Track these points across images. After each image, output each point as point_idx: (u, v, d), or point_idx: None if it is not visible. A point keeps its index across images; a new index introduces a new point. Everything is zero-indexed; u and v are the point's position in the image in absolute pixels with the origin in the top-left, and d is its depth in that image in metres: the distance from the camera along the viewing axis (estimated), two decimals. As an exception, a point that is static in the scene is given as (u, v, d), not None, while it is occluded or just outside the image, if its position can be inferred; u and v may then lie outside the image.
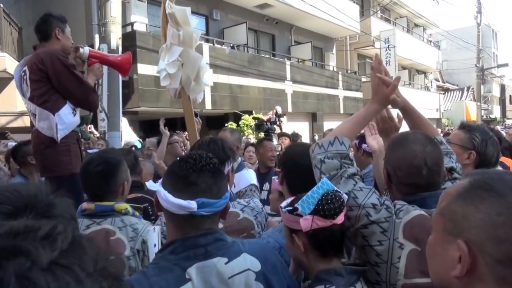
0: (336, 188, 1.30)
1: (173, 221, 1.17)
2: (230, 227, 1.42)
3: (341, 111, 17.12)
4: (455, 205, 0.75)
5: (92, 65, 2.94)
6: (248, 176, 3.18)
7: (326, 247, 1.27)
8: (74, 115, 2.75)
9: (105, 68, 6.52)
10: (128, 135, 8.17)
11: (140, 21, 9.95)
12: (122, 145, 6.97)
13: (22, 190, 0.82)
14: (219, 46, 12.22)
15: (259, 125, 9.09)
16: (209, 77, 3.79)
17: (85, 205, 1.77)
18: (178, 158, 1.25)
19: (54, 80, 2.64)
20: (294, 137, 6.34)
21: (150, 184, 1.22)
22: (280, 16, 15.06)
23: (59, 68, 2.63)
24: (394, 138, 1.55)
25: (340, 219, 1.27)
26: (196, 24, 13.52)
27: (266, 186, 3.60)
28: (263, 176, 3.75)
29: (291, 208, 1.28)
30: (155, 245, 1.52)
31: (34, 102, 2.65)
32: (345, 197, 1.30)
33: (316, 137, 10.73)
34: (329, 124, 15.82)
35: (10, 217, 0.76)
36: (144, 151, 4.64)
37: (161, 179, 1.22)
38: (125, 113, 9.47)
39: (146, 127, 12.65)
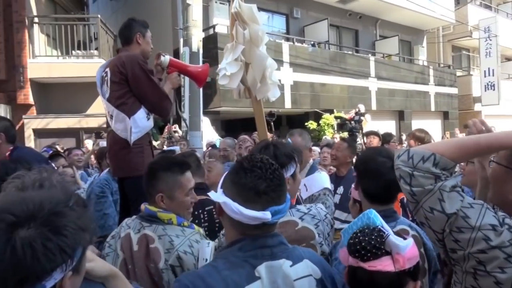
0: (381, 225, 1.09)
1: (238, 228, 1.16)
2: (288, 237, 1.29)
3: (432, 109, 15.86)
4: None
5: (171, 73, 2.99)
6: (321, 179, 2.99)
7: None
8: (148, 119, 2.82)
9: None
10: (209, 134, 8.42)
11: (222, 23, 10.19)
12: (204, 144, 7.20)
13: (28, 199, 0.80)
14: (299, 44, 12.06)
15: (342, 125, 8.74)
16: (275, 75, 3.68)
17: (141, 206, 1.77)
18: (238, 165, 1.21)
19: (132, 84, 2.73)
20: (387, 137, 5.52)
21: (213, 195, 1.18)
22: (364, 10, 14.40)
23: (138, 72, 2.70)
24: None
25: (375, 265, 1.05)
26: (276, 23, 13.44)
27: (340, 190, 3.37)
28: (339, 179, 3.53)
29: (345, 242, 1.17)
30: (206, 260, 1.46)
31: (112, 103, 2.77)
32: (393, 240, 1.07)
33: (404, 137, 10.02)
34: (418, 123, 14.74)
35: (11, 226, 0.74)
36: (220, 152, 4.68)
37: (222, 188, 1.19)
38: (207, 113, 9.81)
39: (228, 126, 12.98)
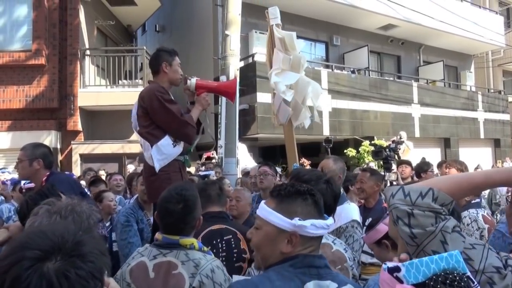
0: (468, 274, 0.93)
1: (297, 246, 1.24)
2: (326, 258, 1.32)
3: (482, 136, 15.06)
4: None
5: (200, 95, 3.04)
6: (350, 211, 2.89)
7: None
8: (175, 146, 2.87)
9: (223, 98, 6.93)
10: (245, 160, 8.48)
11: (260, 52, 10.41)
12: (239, 170, 7.24)
13: (48, 232, 0.83)
14: (338, 71, 12.01)
15: (377, 152, 8.46)
16: (322, 101, 3.68)
17: (157, 234, 1.78)
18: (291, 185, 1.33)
19: (152, 116, 2.83)
20: (424, 166, 4.97)
21: (298, 224, 1.24)
22: (406, 36, 14.19)
23: (155, 104, 2.79)
24: None
25: None
26: (315, 51, 13.52)
27: (369, 221, 3.23)
28: (367, 210, 3.39)
29: (392, 266, 0.96)
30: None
31: (139, 134, 2.89)
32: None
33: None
34: (466, 151, 14.05)
35: (39, 261, 0.77)
36: (251, 179, 4.67)
37: (290, 217, 1.25)
38: (245, 140, 9.92)
39: (266, 153, 13.01)
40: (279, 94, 3.63)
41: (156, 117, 2.82)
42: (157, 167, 2.76)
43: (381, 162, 6.61)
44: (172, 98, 2.90)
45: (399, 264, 0.93)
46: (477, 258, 0.99)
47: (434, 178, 1.23)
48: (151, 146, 2.78)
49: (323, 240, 1.71)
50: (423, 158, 6.53)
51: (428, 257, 0.94)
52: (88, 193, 3.81)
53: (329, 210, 1.84)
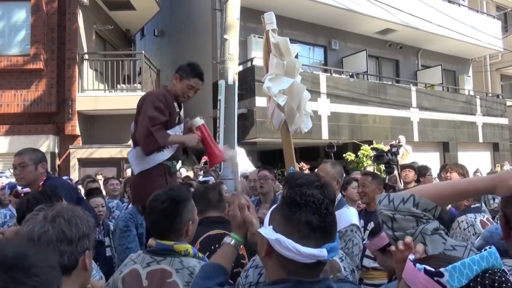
0: (503, 268, 0.93)
1: (287, 267, 1.10)
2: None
3: (480, 140, 15.08)
4: None
5: (194, 133, 3.00)
6: (349, 215, 2.87)
7: None
8: (158, 152, 2.84)
9: (222, 102, 6.92)
10: (244, 165, 8.44)
11: (259, 56, 10.41)
12: (239, 175, 7.22)
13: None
14: (337, 75, 12.03)
15: (379, 156, 8.42)
16: (309, 106, 3.70)
17: (150, 241, 1.75)
18: (289, 199, 1.15)
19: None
20: (423, 170, 5.26)
21: (264, 232, 1.13)
22: (404, 40, 14.23)
23: (145, 106, 2.81)
24: None
25: None
26: (313, 55, 13.52)
27: (371, 226, 3.22)
28: (369, 214, 3.37)
29: (432, 270, 0.93)
30: None
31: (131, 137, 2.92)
32: None
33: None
34: (465, 155, 14.05)
35: None
36: (250, 184, 4.65)
37: (272, 224, 1.14)
38: (244, 144, 9.89)
39: (264, 157, 12.99)
40: (273, 97, 3.63)
41: (138, 117, 2.84)
42: (136, 170, 2.80)
43: (383, 166, 6.60)
44: (163, 107, 2.84)
45: (442, 270, 0.91)
46: (457, 259, 0.99)
47: (419, 186, 1.29)
48: (134, 149, 2.81)
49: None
50: (415, 163, 6.47)
51: (469, 258, 0.93)
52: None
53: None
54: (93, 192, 4.48)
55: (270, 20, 3.82)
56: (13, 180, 4.63)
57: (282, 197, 1.29)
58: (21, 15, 9.35)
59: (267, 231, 1.12)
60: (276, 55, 3.74)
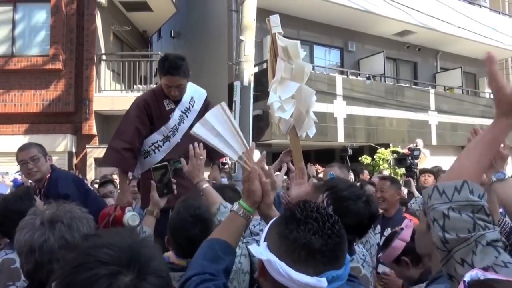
0: None
1: (263, 271, 0.96)
2: None
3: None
4: None
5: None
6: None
7: None
8: (146, 157, 2.78)
9: (237, 104, 6.89)
10: (259, 167, 8.39)
11: (275, 58, 10.36)
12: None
13: (119, 244, 0.78)
14: (353, 77, 11.89)
15: (401, 159, 8.18)
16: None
17: (173, 258, 1.66)
18: (287, 213, 0.99)
19: None
20: (440, 173, 4.94)
21: (254, 250, 0.97)
22: (423, 42, 13.99)
23: (128, 108, 2.78)
24: None
25: None
26: (330, 57, 13.36)
27: (387, 232, 3.12)
28: (386, 220, 3.26)
29: None
30: None
31: None
32: None
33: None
34: (485, 159, 13.70)
35: (115, 276, 0.73)
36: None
37: (266, 241, 0.98)
38: (258, 146, 9.85)
39: (280, 159, 12.92)
40: (275, 114, 3.52)
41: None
42: (137, 173, 2.86)
43: (400, 170, 6.46)
44: (135, 112, 2.70)
45: None
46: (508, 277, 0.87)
47: (454, 168, 1.07)
48: None
49: (353, 264, 1.55)
50: (437, 167, 6.30)
51: None
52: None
53: (363, 229, 1.69)
54: (104, 183, 4.54)
55: (275, 23, 3.73)
56: (18, 178, 4.68)
57: (284, 208, 1.17)
58: (41, 16, 9.51)
59: (259, 250, 0.96)
60: (284, 59, 3.65)
